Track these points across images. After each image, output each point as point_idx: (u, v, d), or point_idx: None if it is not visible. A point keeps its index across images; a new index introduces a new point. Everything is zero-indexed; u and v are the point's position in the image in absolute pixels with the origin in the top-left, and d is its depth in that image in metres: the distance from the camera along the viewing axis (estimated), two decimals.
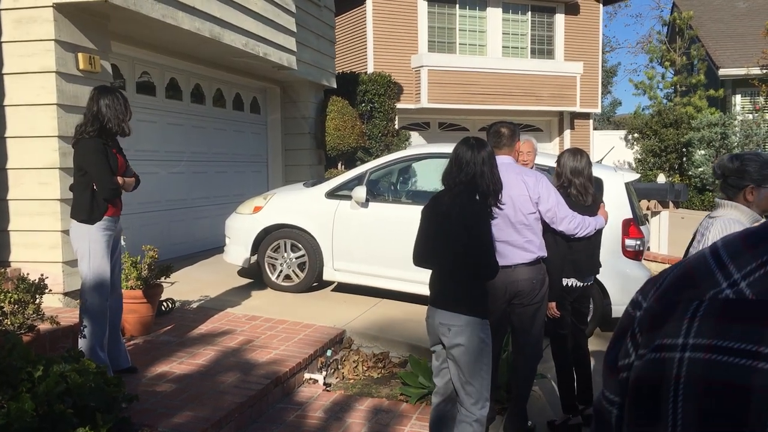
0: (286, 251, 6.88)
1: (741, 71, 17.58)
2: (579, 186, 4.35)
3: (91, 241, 4.04)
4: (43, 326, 4.54)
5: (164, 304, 5.79)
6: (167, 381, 4.30)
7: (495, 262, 3.19)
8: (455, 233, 3.13)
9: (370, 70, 15.16)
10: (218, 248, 7.94)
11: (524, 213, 3.94)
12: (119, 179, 4.10)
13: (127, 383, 3.81)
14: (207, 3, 6.76)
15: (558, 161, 4.48)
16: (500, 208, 3.31)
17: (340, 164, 11.53)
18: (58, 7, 5.32)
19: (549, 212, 4.01)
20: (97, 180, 4.00)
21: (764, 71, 16.64)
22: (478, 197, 3.19)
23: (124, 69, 7.27)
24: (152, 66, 7.77)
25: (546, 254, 4.07)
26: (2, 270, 5.29)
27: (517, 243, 3.93)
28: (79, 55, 5.54)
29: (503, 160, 3.99)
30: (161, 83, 7.97)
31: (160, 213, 7.93)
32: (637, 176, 7.12)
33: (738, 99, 18.95)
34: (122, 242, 4.39)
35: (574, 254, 4.32)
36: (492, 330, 4.05)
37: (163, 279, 5.47)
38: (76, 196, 4.10)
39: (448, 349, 3.21)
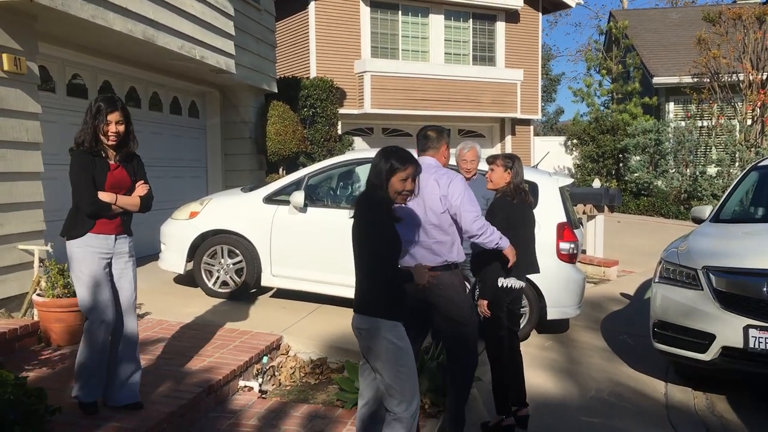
0: (223, 257, 6.77)
1: (674, 80, 18.18)
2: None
3: (72, 259, 3.77)
4: None
5: None
6: None
7: (384, 267, 3.18)
8: (353, 240, 3.25)
9: (313, 74, 15.11)
10: (154, 255, 7.75)
11: (435, 212, 3.96)
12: (105, 195, 3.74)
13: (52, 395, 3.68)
14: (139, 4, 6.60)
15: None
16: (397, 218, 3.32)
17: (281, 169, 11.44)
18: None
19: (453, 208, 3.95)
20: (73, 194, 3.73)
21: (695, 80, 17.24)
22: (368, 205, 3.24)
23: (54, 71, 7.05)
24: (83, 68, 7.55)
25: (463, 259, 4.10)
26: None
27: (424, 244, 3.95)
28: (3, 56, 5.33)
29: (426, 161, 4.07)
30: (93, 86, 7.76)
31: None
32: (571, 181, 7.29)
33: (671, 106, 19.59)
34: (129, 265, 3.92)
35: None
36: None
37: None
38: None
39: (365, 352, 3.26)
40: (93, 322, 3.77)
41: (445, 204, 3.97)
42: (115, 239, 3.85)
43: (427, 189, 3.92)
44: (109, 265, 3.85)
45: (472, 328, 4.09)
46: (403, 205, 3.47)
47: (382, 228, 3.18)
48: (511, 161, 4.55)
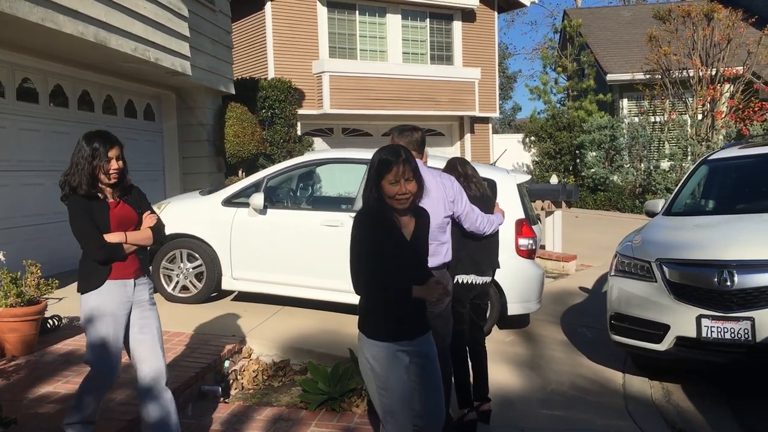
0: (182, 261, 6.70)
1: (627, 76, 18.53)
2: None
3: (88, 311, 3.41)
4: None
5: (49, 321, 5.51)
6: (50, 402, 4.09)
7: (370, 283, 2.96)
8: None
9: (271, 75, 15.02)
10: None
11: (443, 215, 3.97)
12: (113, 236, 3.43)
13: (7, 407, 3.60)
14: (91, 6, 6.49)
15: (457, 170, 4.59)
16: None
17: (240, 171, 11.34)
18: None
19: (459, 210, 4.12)
20: (81, 244, 3.44)
21: (647, 77, 17.61)
22: (357, 218, 3.02)
23: (3, 75, 6.88)
24: (34, 72, 7.38)
25: (450, 259, 4.12)
26: None
27: (431, 247, 3.92)
28: None
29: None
30: (45, 90, 7.59)
31: (47, 226, 7.54)
32: (528, 177, 7.38)
33: (625, 103, 19.97)
34: (153, 314, 3.62)
35: (471, 250, 4.42)
36: None
37: (49, 295, 5.21)
38: None
39: None
40: (96, 374, 3.51)
41: (452, 207, 4.05)
42: (135, 284, 3.55)
43: (434, 192, 3.90)
44: (128, 315, 3.54)
45: (451, 325, 4.14)
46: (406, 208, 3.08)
47: (367, 243, 2.92)
48: (447, 167, 4.60)
